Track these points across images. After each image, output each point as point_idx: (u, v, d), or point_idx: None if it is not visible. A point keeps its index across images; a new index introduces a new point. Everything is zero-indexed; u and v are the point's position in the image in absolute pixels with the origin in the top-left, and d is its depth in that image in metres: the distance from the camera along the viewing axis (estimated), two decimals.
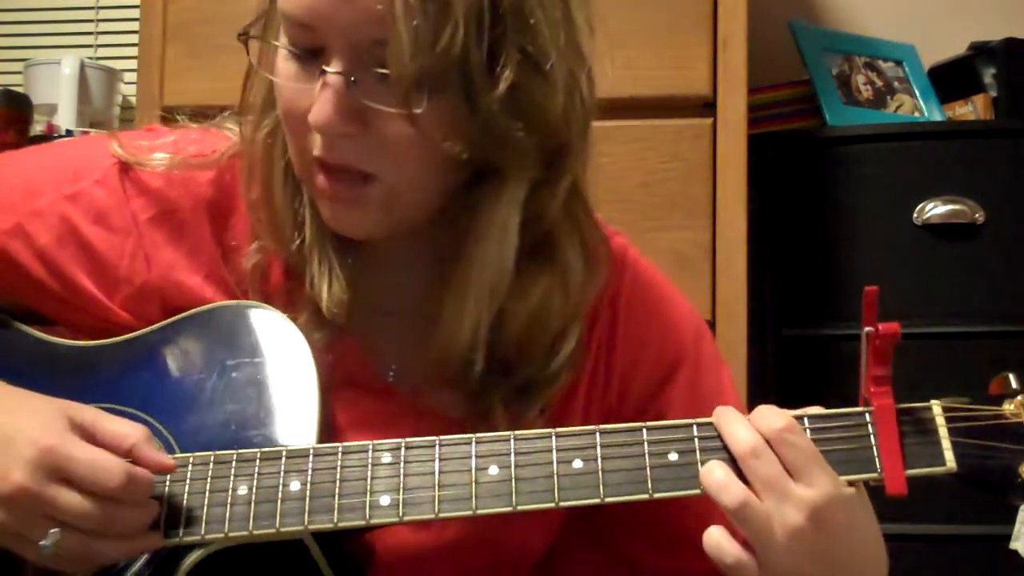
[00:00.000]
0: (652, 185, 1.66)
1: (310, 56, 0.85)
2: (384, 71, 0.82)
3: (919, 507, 1.74)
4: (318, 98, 0.84)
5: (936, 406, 0.84)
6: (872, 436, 0.83)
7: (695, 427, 0.83)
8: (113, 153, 0.96)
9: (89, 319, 0.96)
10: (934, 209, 1.76)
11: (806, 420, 0.83)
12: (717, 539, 0.81)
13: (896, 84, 2.06)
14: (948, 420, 0.83)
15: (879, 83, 2.04)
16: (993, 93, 1.97)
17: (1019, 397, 0.83)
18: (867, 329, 0.83)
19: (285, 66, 0.87)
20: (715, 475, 0.80)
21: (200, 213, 0.96)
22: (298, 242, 0.93)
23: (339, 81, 0.83)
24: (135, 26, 1.89)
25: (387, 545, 0.93)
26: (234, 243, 0.97)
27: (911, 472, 0.82)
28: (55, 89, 2.29)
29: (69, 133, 2.16)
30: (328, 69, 0.83)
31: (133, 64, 1.89)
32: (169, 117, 1.04)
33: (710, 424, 0.83)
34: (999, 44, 1.98)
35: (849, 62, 2.04)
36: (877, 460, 0.82)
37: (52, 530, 0.78)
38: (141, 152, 0.97)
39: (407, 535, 0.94)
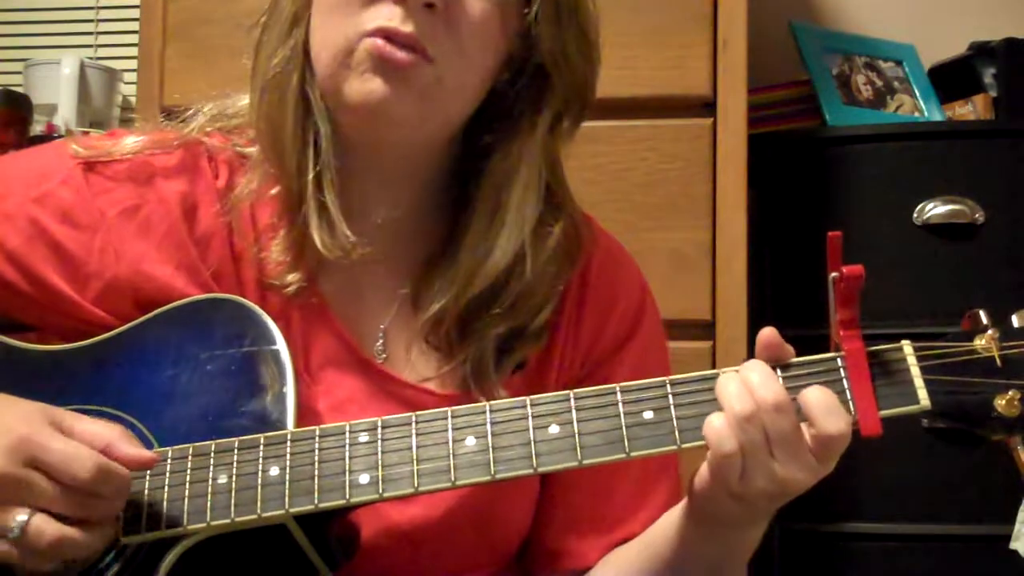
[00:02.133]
0: (652, 185, 1.66)
1: None
2: None
3: (920, 507, 1.74)
4: None
5: (907, 346, 0.84)
6: (844, 380, 0.83)
7: (668, 385, 0.84)
8: (75, 154, 0.98)
9: (65, 321, 0.97)
10: (934, 209, 1.76)
11: (778, 370, 0.84)
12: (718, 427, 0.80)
13: (896, 84, 2.06)
14: (920, 359, 0.83)
15: (879, 83, 2.04)
16: (993, 93, 1.97)
17: (989, 332, 0.83)
18: (832, 275, 0.83)
19: None
20: (729, 386, 0.81)
21: (169, 202, 0.97)
22: (310, 174, 0.95)
23: None
24: (135, 26, 1.89)
25: (376, 527, 0.94)
26: (204, 230, 0.98)
27: (885, 412, 0.82)
28: (55, 89, 2.28)
29: (69, 133, 2.16)
30: None
31: (133, 64, 1.89)
32: (175, 116, 1.05)
33: (683, 382, 0.84)
34: (999, 44, 1.97)
35: (849, 62, 2.04)
36: (851, 403, 0.82)
37: (19, 516, 0.79)
38: (104, 148, 0.99)
39: (396, 516, 0.95)
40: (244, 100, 1.01)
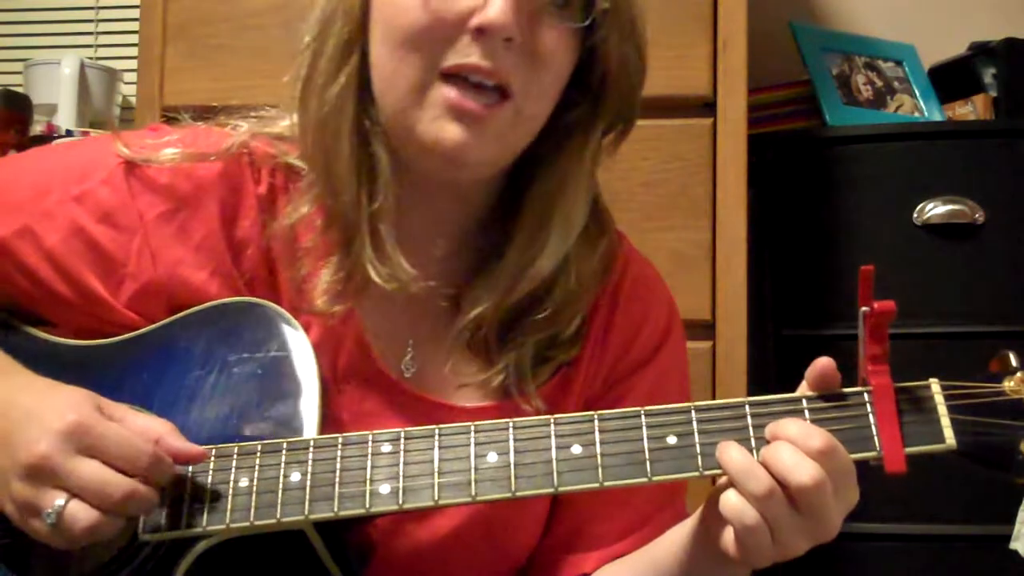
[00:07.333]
0: (653, 185, 1.66)
1: None
2: None
3: (920, 507, 1.74)
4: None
5: (935, 384, 0.84)
6: (871, 415, 0.82)
7: (693, 411, 0.83)
8: (118, 152, 0.97)
9: (93, 322, 0.96)
10: (934, 209, 1.76)
11: (804, 402, 0.83)
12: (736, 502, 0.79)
13: (896, 84, 2.06)
14: (947, 398, 0.83)
15: (879, 83, 2.04)
16: (993, 93, 1.97)
17: (1019, 374, 0.83)
18: (863, 308, 0.83)
19: None
20: (733, 455, 0.80)
21: (208, 208, 0.96)
22: (366, 208, 0.93)
23: None
24: (135, 26, 1.88)
25: (388, 538, 0.94)
26: (242, 237, 0.97)
27: (910, 450, 0.82)
28: (55, 89, 2.29)
29: (69, 133, 2.16)
30: None
31: (133, 64, 1.89)
32: (173, 117, 1.04)
33: (708, 408, 0.83)
34: (999, 44, 1.98)
35: (849, 62, 2.04)
36: (876, 439, 0.82)
37: (57, 500, 0.79)
38: (147, 150, 0.97)
39: (409, 527, 0.95)
40: (285, 120, 1.00)
